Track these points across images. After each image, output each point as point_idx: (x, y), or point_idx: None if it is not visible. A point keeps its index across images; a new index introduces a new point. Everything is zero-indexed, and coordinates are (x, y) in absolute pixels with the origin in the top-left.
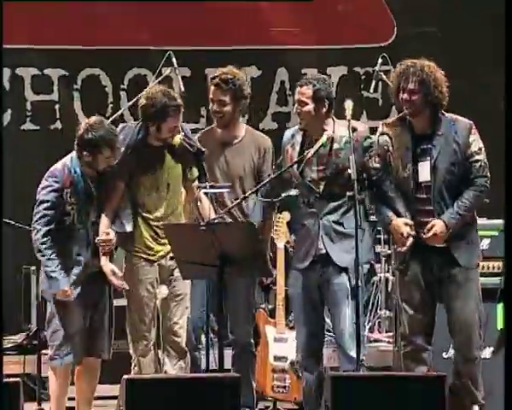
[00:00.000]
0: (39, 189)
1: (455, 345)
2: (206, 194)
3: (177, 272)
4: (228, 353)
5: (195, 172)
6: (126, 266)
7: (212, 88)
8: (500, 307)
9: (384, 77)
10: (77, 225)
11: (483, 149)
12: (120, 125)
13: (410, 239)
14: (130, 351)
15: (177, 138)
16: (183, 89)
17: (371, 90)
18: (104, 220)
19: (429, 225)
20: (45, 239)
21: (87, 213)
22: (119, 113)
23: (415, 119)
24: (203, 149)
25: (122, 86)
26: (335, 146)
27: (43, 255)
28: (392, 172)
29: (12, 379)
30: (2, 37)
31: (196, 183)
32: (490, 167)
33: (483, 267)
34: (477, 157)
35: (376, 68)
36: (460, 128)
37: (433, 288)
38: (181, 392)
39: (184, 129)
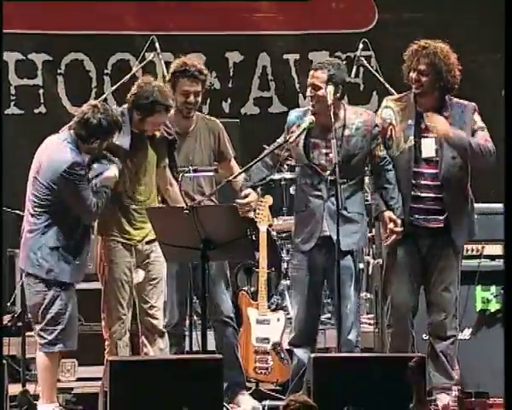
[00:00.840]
0: (74, 182)
1: (431, 325)
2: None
3: (153, 256)
4: (211, 335)
5: (166, 159)
6: (103, 249)
7: (188, 80)
8: (479, 290)
9: (365, 62)
10: None
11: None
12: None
13: (393, 236)
14: (105, 335)
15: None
16: (166, 74)
17: (352, 75)
18: None
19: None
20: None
21: None
22: (103, 97)
23: (422, 98)
24: (176, 138)
25: (106, 71)
26: (346, 132)
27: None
28: (393, 146)
29: None
30: (1, 36)
31: (168, 171)
32: None
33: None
34: (482, 133)
35: (357, 53)
36: (466, 109)
37: (417, 270)
38: (164, 373)
39: None
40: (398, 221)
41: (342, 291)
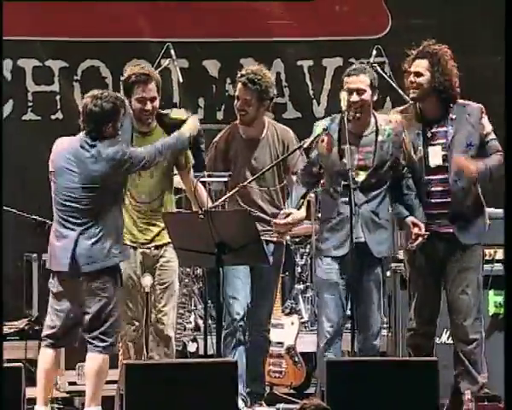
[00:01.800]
0: (122, 156)
1: (453, 328)
2: (203, 183)
3: (162, 261)
4: None
5: (191, 159)
6: None
7: (239, 86)
8: (491, 294)
9: (378, 68)
10: None
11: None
12: None
13: (419, 240)
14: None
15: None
16: (181, 80)
17: None
18: None
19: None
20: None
21: None
22: None
23: (423, 104)
24: (201, 139)
25: (122, 77)
26: (380, 138)
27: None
28: (405, 158)
29: (14, 364)
30: (1, 35)
31: (192, 172)
32: None
33: None
34: (491, 137)
35: (370, 60)
36: (472, 111)
37: (438, 275)
38: (180, 377)
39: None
40: (422, 225)
41: (369, 298)
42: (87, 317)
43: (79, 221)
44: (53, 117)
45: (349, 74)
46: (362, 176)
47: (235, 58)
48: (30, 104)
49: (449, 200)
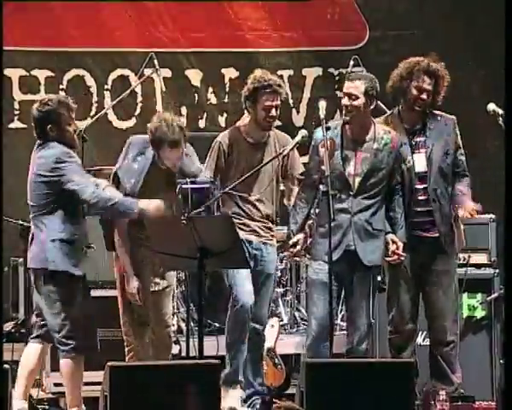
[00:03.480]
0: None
1: (431, 330)
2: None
3: None
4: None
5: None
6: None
7: (270, 95)
8: (465, 297)
9: None
10: None
11: None
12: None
13: (395, 257)
14: (129, 338)
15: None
16: (164, 89)
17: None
18: None
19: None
20: None
21: None
22: (103, 112)
23: (411, 114)
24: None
25: (106, 86)
26: (375, 145)
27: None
28: (399, 173)
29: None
30: (2, 37)
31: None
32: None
33: None
34: (461, 151)
35: (348, 70)
36: (447, 121)
37: (418, 277)
38: (163, 378)
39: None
40: (400, 244)
41: (358, 304)
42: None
43: (34, 220)
44: None
45: (347, 79)
46: (356, 183)
47: (217, 68)
48: (16, 113)
49: (431, 208)
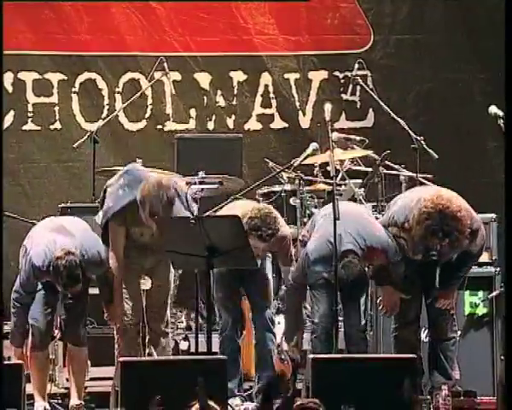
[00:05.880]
0: None
1: (432, 326)
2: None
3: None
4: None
5: None
6: None
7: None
8: (467, 294)
9: (360, 81)
10: None
11: None
12: None
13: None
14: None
15: None
16: (173, 91)
17: (349, 93)
18: None
19: None
20: None
21: None
22: (114, 114)
23: None
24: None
25: (117, 89)
26: None
27: None
28: None
29: (14, 362)
30: (2, 37)
31: (186, 179)
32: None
33: None
34: None
35: (353, 73)
36: None
37: (418, 274)
38: (172, 373)
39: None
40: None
41: (353, 302)
42: None
43: None
44: (52, 127)
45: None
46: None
47: (225, 71)
48: (30, 115)
49: None
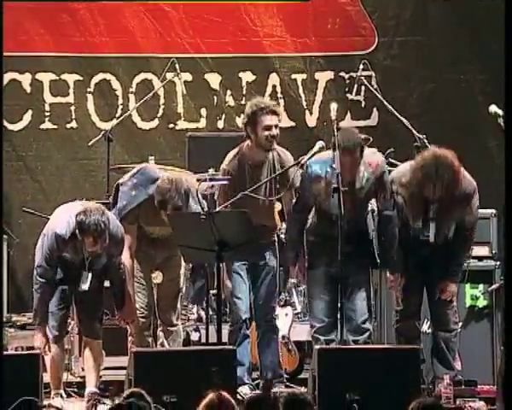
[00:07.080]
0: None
1: (435, 318)
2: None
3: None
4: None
5: None
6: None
7: (269, 115)
8: (468, 287)
9: (365, 81)
10: None
11: None
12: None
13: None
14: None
15: None
16: (185, 91)
17: (354, 93)
18: None
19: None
20: None
21: None
22: (128, 113)
23: None
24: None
25: (131, 89)
26: (357, 185)
27: None
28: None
29: (32, 351)
30: (2, 37)
31: (197, 176)
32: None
33: None
34: None
35: (358, 74)
36: None
37: (421, 267)
38: (184, 363)
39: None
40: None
41: (358, 288)
42: None
43: None
44: (68, 126)
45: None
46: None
47: (235, 72)
48: (47, 114)
49: None
